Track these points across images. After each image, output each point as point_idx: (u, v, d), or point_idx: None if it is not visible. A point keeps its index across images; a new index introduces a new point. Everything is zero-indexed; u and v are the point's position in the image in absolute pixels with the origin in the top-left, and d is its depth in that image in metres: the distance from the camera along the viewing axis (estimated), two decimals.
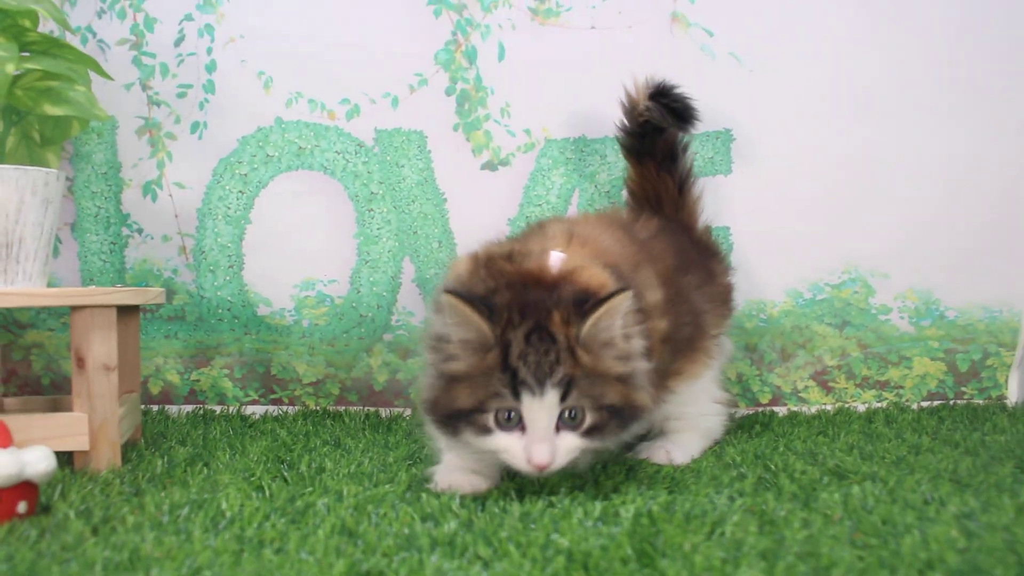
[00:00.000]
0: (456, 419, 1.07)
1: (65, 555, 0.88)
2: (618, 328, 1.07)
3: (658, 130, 1.54)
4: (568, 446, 1.06)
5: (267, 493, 1.10)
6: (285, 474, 1.23)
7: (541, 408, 1.04)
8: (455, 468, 1.18)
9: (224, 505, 1.04)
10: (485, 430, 1.06)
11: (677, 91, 1.54)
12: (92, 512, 1.02)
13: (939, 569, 0.83)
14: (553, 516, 1.00)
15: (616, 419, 1.08)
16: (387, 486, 1.16)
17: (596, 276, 1.12)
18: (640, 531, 0.93)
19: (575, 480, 1.17)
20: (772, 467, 1.26)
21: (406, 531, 0.95)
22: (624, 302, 1.06)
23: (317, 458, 1.33)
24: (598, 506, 1.02)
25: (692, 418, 1.41)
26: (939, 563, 0.84)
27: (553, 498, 1.08)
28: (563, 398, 1.04)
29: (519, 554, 0.87)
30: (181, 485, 1.17)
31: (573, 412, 1.06)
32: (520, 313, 1.05)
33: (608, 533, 0.92)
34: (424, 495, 1.09)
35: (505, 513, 1.01)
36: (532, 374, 1.03)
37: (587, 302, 1.06)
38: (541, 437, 1.04)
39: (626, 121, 1.56)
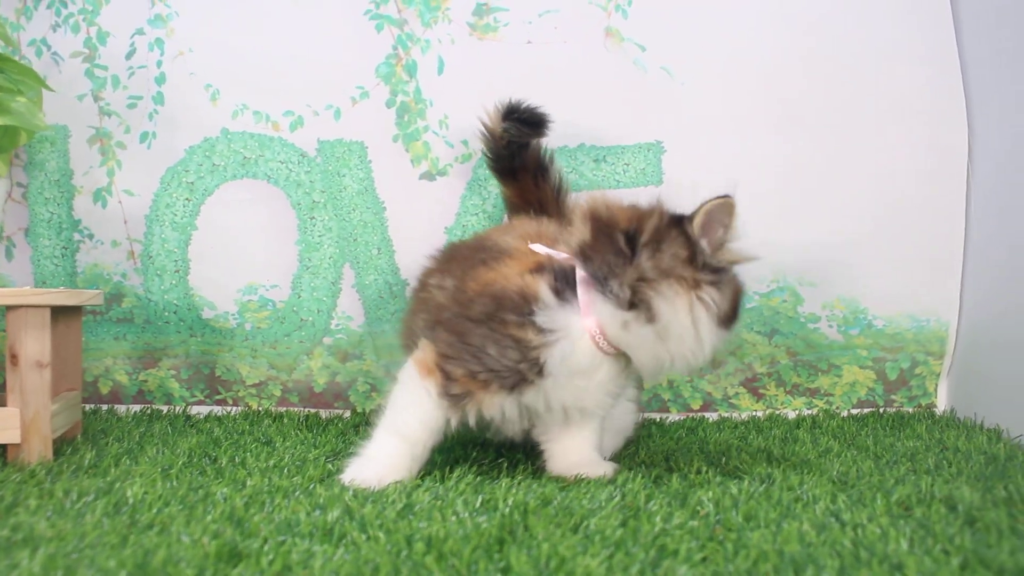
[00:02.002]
0: None
1: None
2: None
3: (523, 145, 1.60)
4: None
5: (172, 483, 1.16)
6: (206, 467, 1.29)
7: None
8: (369, 459, 1.23)
9: (129, 493, 1.10)
10: None
11: (524, 105, 1.60)
12: (3, 498, 1.08)
13: (772, 559, 0.88)
14: (435, 507, 1.05)
15: None
16: (295, 478, 1.22)
17: None
18: (507, 522, 0.98)
19: (478, 475, 1.23)
20: (673, 467, 1.32)
21: (291, 518, 1.00)
22: None
23: (241, 454, 1.39)
24: (480, 499, 1.08)
25: (609, 418, 1.46)
26: (775, 554, 0.89)
27: (441, 490, 1.13)
28: None
29: (386, 540, 0.92)
30: (101, 476, 1.23)
31: None
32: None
33: (476, 523, 0.97)
34: (318, 487, 1.15)
35: (391, 504, 1.06)
36: None
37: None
38: None
39: (491, 149, 1.62)
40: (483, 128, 1.62)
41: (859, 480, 1.23)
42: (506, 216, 1.70)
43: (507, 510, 1.03)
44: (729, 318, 1.23)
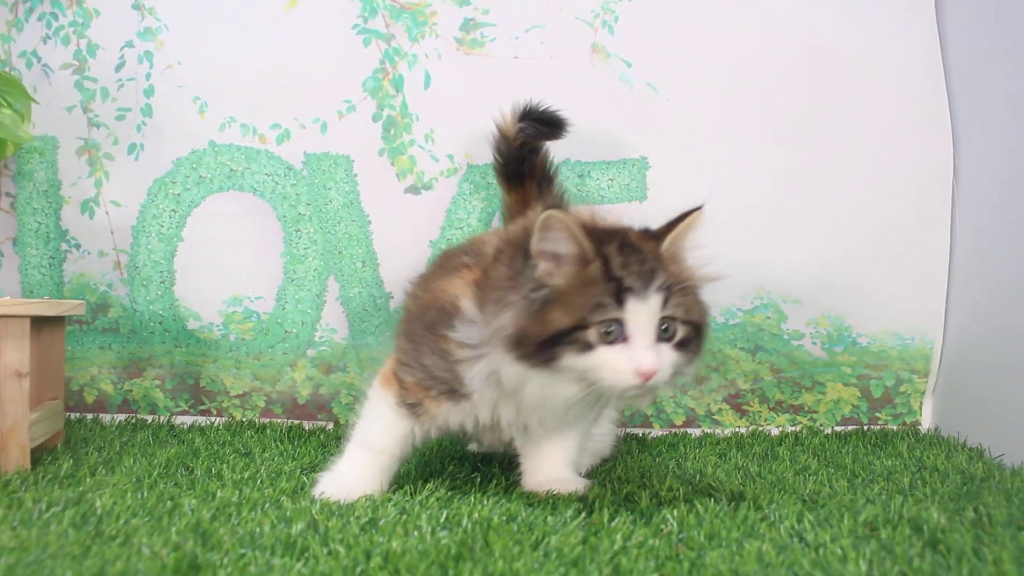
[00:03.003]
0: (553, 344, 1.06)
1: None
2: (689, 246, 1.15)
3: (534, 150, 1.61)
4: (667, 358, 1.08)
5: (143, 494, 1.17)
6: (180, 478, 1.30)
7: (646, 313, 1.06)
8: (338, 473, 1.25)
9: (98, 504, 1.11)
10: (586, 347, 1.05)
11: (541, 107, 1.60)
12: None
13: (714, 575, 0.88)
14: (399, 522, 1.05)
15: (696, 337, 1.12)
16: (267, 490, 1.23)
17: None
18: (468, 538, 0.98)
19: (450, 489, 1.23)
20: (647, 484, 1.32)
21: (256, 531, 1.01)
22: (700, 218, 1.15)
23: (217, 465, 1.40)
24: (445, 514, 1.08)
25: (588, 438, 1.46)
26: (731, 574, 0.89)
27: (408, 504, 1.14)
28: (663, 304, 1.07)
29: (345, 554, 0.93)
30: (74, 486, 1.24)
31: (667, 325, 1.08)
32: (607, 234, 1.11)
33: (436, 539, 0.98)
34: (287, 499, 1.15)
35: (356, 518, 1.07)
36: (637, 279, 1.06)
37: (660, 227, 1.14)
38: (648, 344, 1.06)
39: (501, 151, 1.62)
40: (496, 129, 1.61)
41: (830, 500, 1.23)
42: (503, 225, 1.68)
43: (470, 526, 1.03)
44: (517, 343, 1.08)
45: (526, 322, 1.07)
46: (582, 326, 1.05)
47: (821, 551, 0.98)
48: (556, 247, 1.08)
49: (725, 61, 1.77)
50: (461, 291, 1.19)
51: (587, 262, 1.07)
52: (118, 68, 1.79)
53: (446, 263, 1.35)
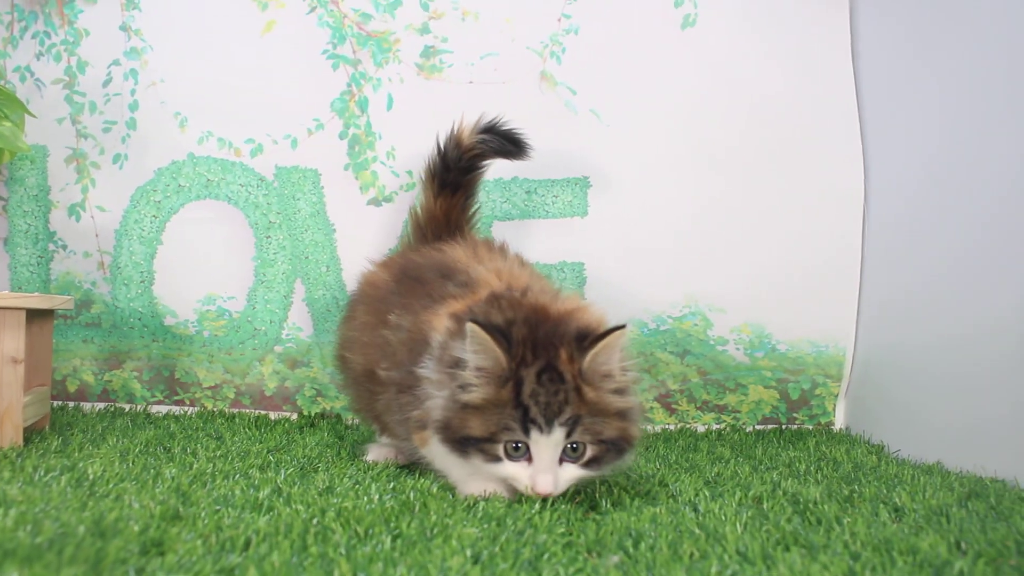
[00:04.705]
0: (467, 444, 1.17)
1: None
2: (616, 363, 1.19)
3: (480, 167, 1.72)
4: (569, 476, 1.18)
5: (128, 464, 1.33)
6: (160, 454, 1.46)
7: (548, 444, 1.16)
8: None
9: (89, 471, 1.27)
10: (495, 458, 1.17)
11: (507, 126, 1.70)
12: None
13: (620, 532, 1.06)
14: (352, 489, 1.22)
15: (613, 451, 1.19)
16: (237, 464, 1.39)
17: (595, 316, 1.26)
18: (409, 502, 1.16)
19: (399, 468, 1.40)
20: None
21: (228, 494, 1.17)
22: (621, 338, 1.18)
23: (192, 445, 1.56)
24: (392, 484, 1.25)
25: None
26: (624, 529, 1.07)
27: (361, 477, 1.31)
28: (568, 435, 1.16)
29: (304, 511, 1.10)
30: (66, 457, 1.39)
31: (575, 445, 1.17)
32: (533, 351, 1.17)
33: (383, 501, 1.15)
34: (256, 471, 1.32)
35: (315, 486, 1.24)
36: (542, 413, 1.15)
37: (587, 338, 1.18)
38: (546, 468, 1.16)
39: (448, 157, 1.70)
40: (451, 134, 1.68)
41: (729, 480, 1.41)
42: (411, 230, 1.74)
43: (412, 494, 1.21)
44: (441, 429, 1.20)
45: (451, 415, 1.18)
46: (492, 440, 1.17)
47: (707, 516, 1.15)
48: (480, 361, 1.17)
49: (662, 94, 1.96)
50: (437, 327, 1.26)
51: (504, 382, 1.16)
52: (105, 84, 1.95)
53: (427, 286, 1.39)
